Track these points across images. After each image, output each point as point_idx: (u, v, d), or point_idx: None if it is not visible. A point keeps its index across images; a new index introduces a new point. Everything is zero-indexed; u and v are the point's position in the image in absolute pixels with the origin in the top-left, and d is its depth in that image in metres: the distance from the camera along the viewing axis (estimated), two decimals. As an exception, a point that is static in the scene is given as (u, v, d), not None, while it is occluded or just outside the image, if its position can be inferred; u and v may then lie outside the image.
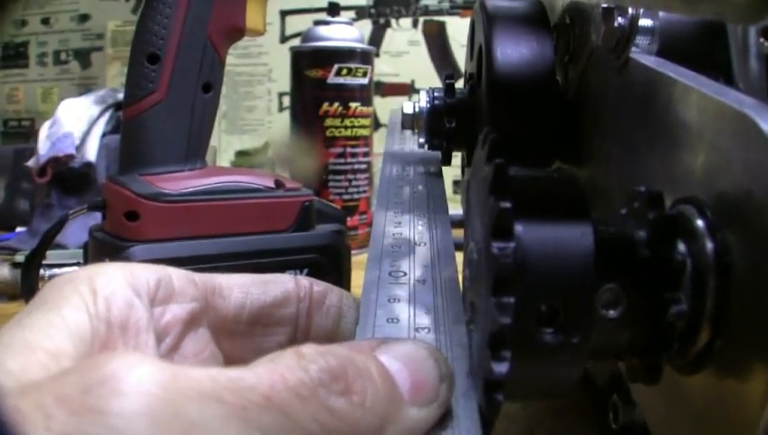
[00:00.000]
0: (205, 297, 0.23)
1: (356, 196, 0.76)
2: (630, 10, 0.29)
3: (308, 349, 0.16)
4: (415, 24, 1.09)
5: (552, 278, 0.18)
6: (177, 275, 0.22)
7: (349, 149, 0.75)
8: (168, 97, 0.46)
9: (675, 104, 0.23)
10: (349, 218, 0.74)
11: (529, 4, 0.37)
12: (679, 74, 0.24)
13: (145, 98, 0.46)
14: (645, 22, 0.30)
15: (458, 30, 1.09)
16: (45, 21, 1.25)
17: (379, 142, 0.50)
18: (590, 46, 0.33)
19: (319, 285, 0.25)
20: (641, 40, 0.30)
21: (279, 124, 1.09)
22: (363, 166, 0.76)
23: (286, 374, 0.15)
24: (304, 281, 0.25)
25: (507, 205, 0.17)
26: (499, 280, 0.17)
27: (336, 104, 0.73)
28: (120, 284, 0.20)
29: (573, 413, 0.36)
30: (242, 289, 0.24)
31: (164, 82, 0.45)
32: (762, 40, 0.22)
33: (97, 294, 0.19)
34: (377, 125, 0.99)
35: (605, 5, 0.29)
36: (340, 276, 0.51)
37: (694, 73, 0.24)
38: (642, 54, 0.28)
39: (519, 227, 0.18)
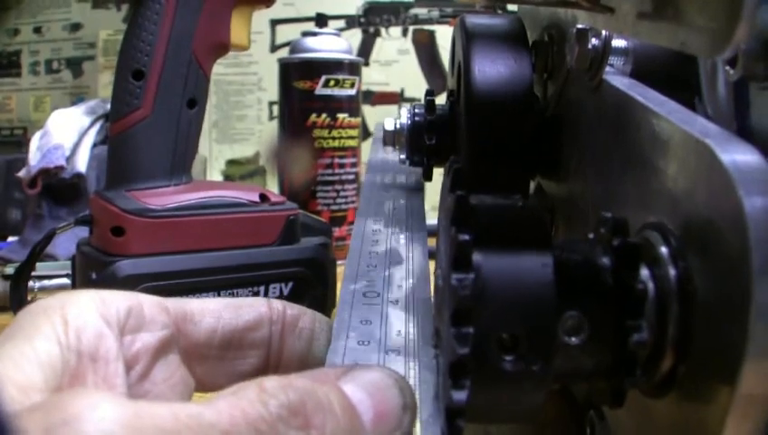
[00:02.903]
0: (176, 323, 0.23)
1: (344, 206, 0.76)
2: (604, 32, 0.29)
3: (270, 382, 0.17)
4: (405, 33, 1.09)
5: (511, 308, 0.18)
6: (149, 303, 0.22)
7: (336, 160, 0.75)
8: (153, 113, 0.46)
9: (644, 129, 0.23)
10: (337, 229, 0.74)
11: (508, 22, 0.38)
12: (648, 99, 0.24)
13: (130, 114, 0.46)
14: (619, 43, 0.30)
15: (448, 39, 1.08)
16: (38, 30, 1.25)
17: (369, 151, 0.50)
18: (567, 65, 0.33)
19: (292, 309, 0.26)
20: (616, 60, 0.30)
21: (269, 133, 1.09)
22: (351, 176, 0.77)
23: (247, 409, 0.16)
24: (278, 304, 0.25)
25: (466, 237, 0.17)
26: (458, 311, 0.17)
27: (324, 115, 0.74)
28: (91, 313, 0.20)
29: (556, 429, 0.36)
30: (213, 314, 0.24)
31: (149, 98, 0.46)
32: (728, 68, 0.22)
33: (68, 324, 0.20)
34: (366, 134, 1.00)
35: (580, 27, 0.29)
36: (325, 289, 0.51)
37: (664, 98, 0.24)
38: (616, 76, 0.28)
39: (479, 258, 0.18)
